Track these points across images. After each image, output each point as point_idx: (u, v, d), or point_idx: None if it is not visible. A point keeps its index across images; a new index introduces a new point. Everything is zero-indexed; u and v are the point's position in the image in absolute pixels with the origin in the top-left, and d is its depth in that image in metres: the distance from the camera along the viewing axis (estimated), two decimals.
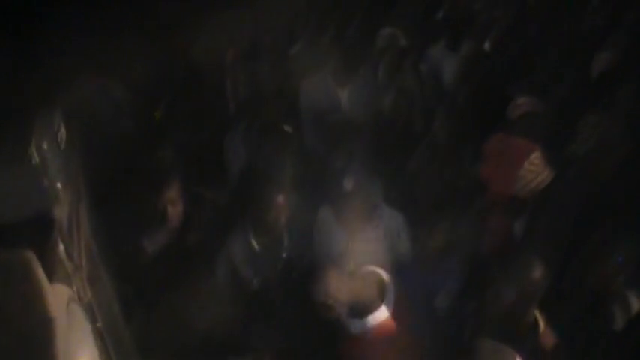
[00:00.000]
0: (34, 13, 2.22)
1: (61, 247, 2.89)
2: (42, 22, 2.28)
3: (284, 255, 4.22)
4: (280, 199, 4.11)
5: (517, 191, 4.23)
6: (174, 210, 4.27)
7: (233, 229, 4.26)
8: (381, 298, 3.49)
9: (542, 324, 3.26)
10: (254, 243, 4.18)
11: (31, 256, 2.32)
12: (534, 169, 4.13)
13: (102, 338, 2.82)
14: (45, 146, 3.25)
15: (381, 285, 3.53)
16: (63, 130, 4.14)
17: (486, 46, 6.22)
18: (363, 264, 3.68)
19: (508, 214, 4.31)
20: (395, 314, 3.49)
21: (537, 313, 3.28)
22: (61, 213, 2.92)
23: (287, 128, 5.41)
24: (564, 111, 4.70)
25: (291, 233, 4.26)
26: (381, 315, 3.46)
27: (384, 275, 3.57)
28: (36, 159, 2.87)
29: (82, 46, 2.38)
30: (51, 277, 2.42)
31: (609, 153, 3.89)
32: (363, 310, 3.46)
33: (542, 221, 4.02)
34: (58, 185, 3.26)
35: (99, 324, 2.86)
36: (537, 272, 3.21)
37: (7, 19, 2.19)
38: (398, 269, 3.79)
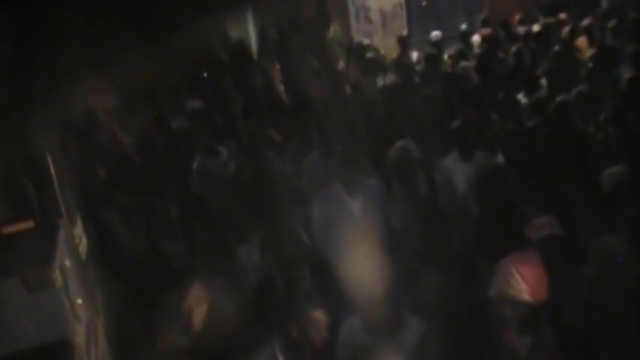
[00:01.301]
0: None
1: None
2: None
3: None
4: (311, 315, 4.07)
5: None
6: (199, 310, 4.29)
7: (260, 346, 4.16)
8: None
9: None
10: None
11: None
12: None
13: None
14: (67, 262, 3.36)
15: None
16: (84, 241, 4.28)
17: (499, 157, 6.34)
18: None
19: (521, 329, 4.30)
20: None
21: None
22: (80, 334, 3.02)
23: (303, 236, 5.52)
24: (578, 230, 4.75)
25: None
26: None
27: None
28: (59, 281, 2.98)
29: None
30: None
31: (621, 274, 3.93)
32: None
33: (552, 339, 4.02)
34: (78, 301, 3.35)
35: None
36: None
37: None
38: None
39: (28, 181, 3.65)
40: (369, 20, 12.56)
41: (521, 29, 10.91)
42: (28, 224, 3.65)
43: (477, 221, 5.32)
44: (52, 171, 3.76)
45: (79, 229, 4.12)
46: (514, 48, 9.59)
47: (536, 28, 10.33)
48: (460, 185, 5.91)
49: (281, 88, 10.07)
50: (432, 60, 9.45)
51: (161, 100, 9.19)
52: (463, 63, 9.42)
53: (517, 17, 11.24)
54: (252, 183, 6.67)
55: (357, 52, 10.64)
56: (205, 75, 10.49)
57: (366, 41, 11.36)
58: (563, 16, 11.43)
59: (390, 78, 9.28)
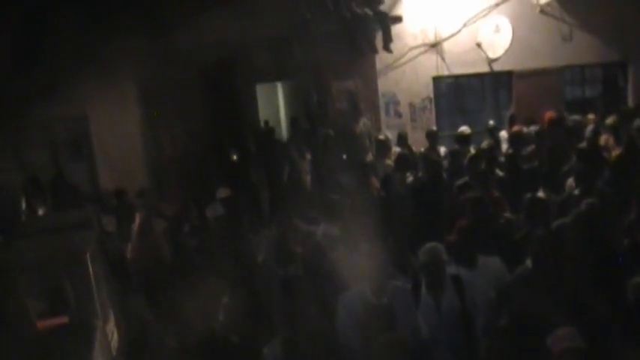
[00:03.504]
0: None
1: None
2: None
3: None
4: None
5: None
6: None
7: None
8: None
9: None
10: None
11: None
12: None
13: None
14: None
15: None
16: (115, 337, 4.38)
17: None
18: None
19: None
20: None
21: None
22: None
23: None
24: (600, 343, 4.74)
25: None
26: None
27: None
28: None
29: None
30: None
31: None
32: None
33: None
34: None
35: None
36: None
37: None
38: None
39: (65, 278, 3.78)
40: (398, 114, 12.81)
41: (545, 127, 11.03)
42: (64, 320, 3.77)
43: (503, 331, 5.31)
44: (90, 269, 3.89)
45: (111, 325, 4.22)
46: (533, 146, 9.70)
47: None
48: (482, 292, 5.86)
49: (308, 178, 10.25)
50: (457, 155, 9.57)
51: (194, 187, 9.44)
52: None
53: (549, 115, 11.38)
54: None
55: (385, 145, 10.81)
56: (234, 160, 10.75)
57: (394, 135, 11.53)
58: (590, 116, 11.60)
59: (418, 173, 9.42)
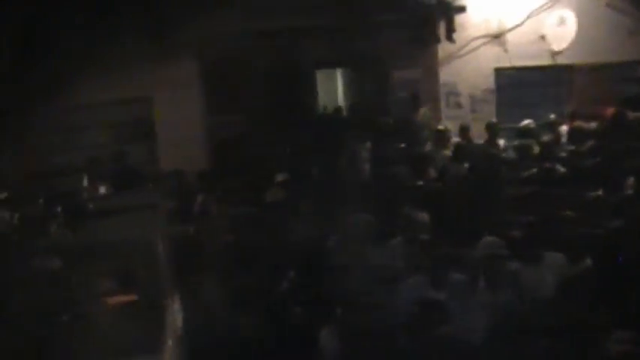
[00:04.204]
0: None
1: None
2: None
3: None
4: None
5: None
6: None
7: None
8: None
9: None
10: None
11: None
12: None
13: None
14: (170, 342, 3.55)
15: None
16: (181, 317, 4.48)
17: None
18: None
19: None
20: None
21: None
22: None
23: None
24: None
25: None
26: None
27: None
28: None
29: None
30: None
31: None
32: None
33: None
34: None
35: None
36: None
37: None
38: None
39: (135, 258, 3.88)
40: (458, 105, 12.71)
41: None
42: (133, 298, 3.87)
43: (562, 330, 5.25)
44: (159, 249, 3.99)
45: (177, 305, 4.31)
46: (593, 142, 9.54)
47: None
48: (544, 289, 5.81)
49: (367, 168, 10.25)
50: (524, 149, 9.47)
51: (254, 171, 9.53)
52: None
53: (611, 111, 11.15)
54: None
55: (445, 136, 10.74)
56: (293, 145, 10.83)
57: (454, 126, 11.45)
58: None
59: (477, 165, 9.34)
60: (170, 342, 3.55)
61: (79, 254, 4.76)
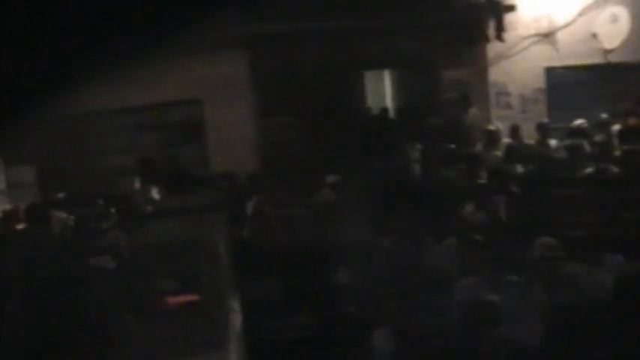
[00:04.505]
0: None
1: None
2: None
3: None
4: None
5: None
6: None
7: None
8: None
9: None
10: None
11: None
12: None
13: None
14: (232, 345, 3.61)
15: None
16: (240, 317, 4.53)
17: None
18: None
19: None
20: None
21: None
22: None
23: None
24: None
25: None
26: None
27: None
28: None
29: None
30: None
31: None
32: None
33: None
34: None
35: None
36: None
37: None
38: None
39: (196, 258, 3.94)
40: (508, 105, 12.61)
41: None
42: (194, 297, 3.93)
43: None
44: (219, 250, 4.04)
45: (235, 304, 4.37)
46: None
47: None
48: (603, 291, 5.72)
49: (417, 168, 10.23)
50: (576, 150, 9.36)
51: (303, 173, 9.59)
52: None
53: None
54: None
55: (495, 137, 10.68)
56: (343, 146, 10.86)
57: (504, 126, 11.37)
58: None
59: (529, 166, 9.27)
60: (231, 341, 3.60)
61: (138, 255, 4.84)
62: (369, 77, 13.81)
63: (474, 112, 11.80)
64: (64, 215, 8.76)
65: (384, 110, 13.50)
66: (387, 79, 15.32)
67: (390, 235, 7.30)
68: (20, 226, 8.70)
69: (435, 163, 9.87)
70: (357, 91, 12.76)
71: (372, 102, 13.50)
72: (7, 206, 10.62)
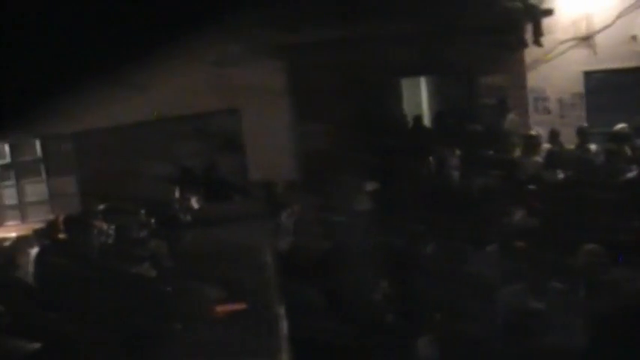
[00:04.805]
0: None
1: None
2: None
3: None
4: None
5: None
6: None
7: None
8: None
9: None
10: None
11: None
12: None
13: None
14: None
15: None
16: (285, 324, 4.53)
17: None
18: None
19: None
20: None
21: None
22: None
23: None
24: None
25: None
26: None
27: None
28: None
29: None
30: None
31: None
32: None
33: None
34: None
35: None
36: None
37: None
38: None
39: (243, 267, 3.96)
40: (547, 110, 12.50)
41: None
42: (242, 307, 3.95)
43: None
44: (266, 258, 4.06)
45: (281, 311, 4.38)
46: None
47: None
48: None
49: (455, 175, 10.17)
50: (617, 154, 9.23)
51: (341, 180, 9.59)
52: None
53: None
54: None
55: (535, 142, 10.58)
56: (380, 154, 10.84)
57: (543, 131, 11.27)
58: None
59: (569, 171, 9.16)
60: (279, 349, 3.61)
61: (181, 263, 4.88)
62: (406, 83, 13.78)
63: (512, 117, 11.72)
64: (105, 225, 8.88)
65: (422, 116, 13.46)
66: (424, 85, 15.30)
67: (431, 242, 7.27)
68: (62, 236, 8.84)
69: (473, 170, 9.80)
70: (394, 97, 12.74)
71: (409, 108, 13.46)
72: (50, 216, 10.82)
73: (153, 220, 9.09)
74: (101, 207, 9.84)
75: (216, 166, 11.21)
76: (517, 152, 10.71)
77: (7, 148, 12.83)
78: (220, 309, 4.03)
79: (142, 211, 9.33)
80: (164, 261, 7.32)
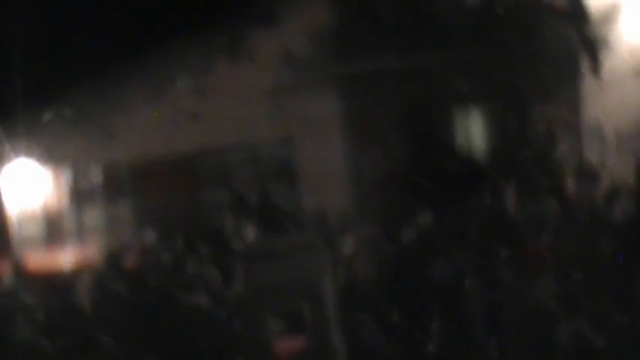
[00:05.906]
0: None
1: None
2: None
3: None
4: None
5: None
6: None
7: None
8: None
9: None
10: None
11: None
12: None
13: None
14: None
15: None
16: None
17: None
18: None
19: None
20: None
21: None
22: None
23: None
24: None
25: None
26: None
27: None
28: None
29: None
30: None
31: None
32: None
33: None
34: None
35: None
36: None
37: None
38: None
39: (303, 301, 3.99)
40: (602, 140, 12.31)
41: None
42: (302, 342, 3.97)
43: None
44: (326, 292, 4.08)
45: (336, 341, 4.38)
46: None
47: None
48: None
49: (511, 203, 10.10)
50: None
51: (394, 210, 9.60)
52: None
53: None
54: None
55: (589, 172, 10.46)
56: (434, 184, 10.82)
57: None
58: None
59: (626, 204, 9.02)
60: None
61: (239, 294, 4.93)
62: (460, 112, 13.72)
63: (566, 147, 11.58)
64: (161, 252, 9.03)
65: (475, 145, 13.37)
66: (478, 114, 15.20)
67: (484, 271, 7.23)
68: (120, 263, 9.01)
69: (527, 199, 9.72)
70: (448, 126, 12.70)
71: (462, 137, 13.39)
72: (106, 242, 11.02)
73: (207, 248, 9.18)
74: (157, 234, 9.99)
75: (269, 193, 11.27)
76: (571, 182, 10.61)
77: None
78: (279, 345, 4.05)
79: (195, 238, 9.44)
80: (219, 290, 7.39)
